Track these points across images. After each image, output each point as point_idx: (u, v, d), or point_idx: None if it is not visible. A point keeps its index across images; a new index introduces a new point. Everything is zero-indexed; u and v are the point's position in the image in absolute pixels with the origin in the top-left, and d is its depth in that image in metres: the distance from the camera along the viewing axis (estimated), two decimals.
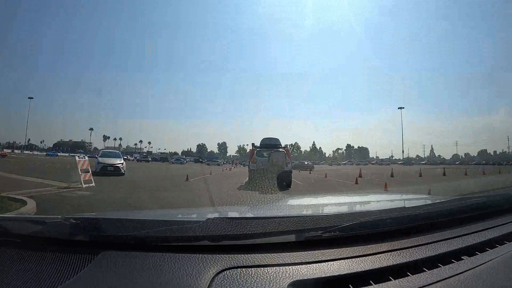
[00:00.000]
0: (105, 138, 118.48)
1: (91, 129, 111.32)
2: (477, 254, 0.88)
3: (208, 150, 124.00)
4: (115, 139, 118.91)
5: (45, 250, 0.81)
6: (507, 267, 0.83)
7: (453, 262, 0.82)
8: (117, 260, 0.74)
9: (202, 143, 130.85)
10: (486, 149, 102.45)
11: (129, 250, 0.78)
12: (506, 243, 0.96)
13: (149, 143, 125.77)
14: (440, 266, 0.79)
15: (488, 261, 0.84)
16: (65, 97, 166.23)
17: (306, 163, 44.43)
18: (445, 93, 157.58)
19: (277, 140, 13.28)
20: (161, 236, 0.81)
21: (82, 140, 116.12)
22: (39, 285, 0.70)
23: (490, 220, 1.11)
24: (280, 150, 11.89)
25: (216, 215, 0.87)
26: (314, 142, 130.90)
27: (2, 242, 0.85)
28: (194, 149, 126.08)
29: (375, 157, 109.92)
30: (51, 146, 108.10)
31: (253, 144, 13.48)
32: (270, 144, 12.72)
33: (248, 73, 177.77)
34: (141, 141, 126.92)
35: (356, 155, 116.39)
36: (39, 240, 0.84)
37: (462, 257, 0.85)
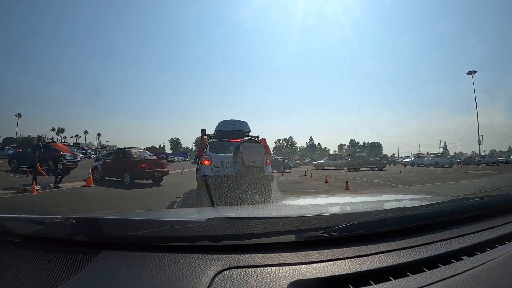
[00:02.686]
0: (60, 131, 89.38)
1: (19, 114, 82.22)
2: (477, 254, 0.88)
3: (183, 146, 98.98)
4: (54, 129, 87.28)
5: (45, 250, 0.81)
6: (507, 267, 0.83)
7: (453, 262, 0.82)
8: (117, 260, 0.74)
9: (175, 138, 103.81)
10: None
11: (129, 250, 0.78)
12: (506, 243, 0.96)
13: (98, 135, 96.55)
14: (440, 266, 0.79)
15: (488, 261, 0.84)
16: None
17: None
18: (456, 87, 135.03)
19: (244, 124, 7.79)
20: (161, 236, 0.81)
21: (38, 134, 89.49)
22: (39, 285, 0.70)
23: (490, 220, 1.11)
24: (254, 141, 6.55)
25: (216, 215, 0.88)
26: (311, 136, 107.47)
27: (2, 242, 0.86)
28: (167, 145, 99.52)
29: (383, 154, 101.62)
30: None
31: (203, 130, 7.84)
32: (233, 131, 7.34)
33: (233, 57, 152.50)
34: (86, 132, 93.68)
35: (364, 152, 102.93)
36: (39, 240, 0.84)
37: (462, 257, 0.85)
